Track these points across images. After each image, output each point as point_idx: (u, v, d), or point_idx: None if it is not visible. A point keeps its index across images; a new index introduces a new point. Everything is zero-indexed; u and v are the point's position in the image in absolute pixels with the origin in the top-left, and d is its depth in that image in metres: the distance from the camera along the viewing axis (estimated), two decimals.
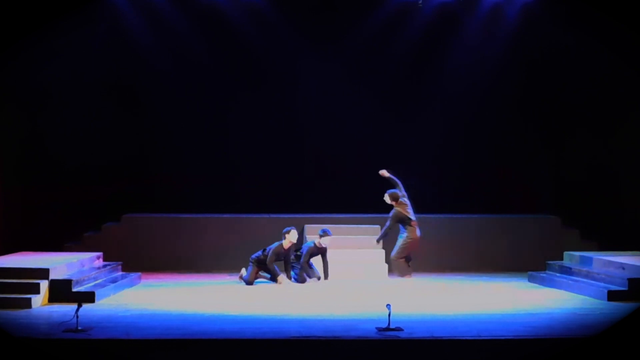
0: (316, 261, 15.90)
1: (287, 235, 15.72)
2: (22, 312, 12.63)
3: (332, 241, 15.87)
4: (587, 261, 15.36)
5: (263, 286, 15.41)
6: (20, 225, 17.57)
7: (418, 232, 15.23)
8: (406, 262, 15.28)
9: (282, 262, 15.84)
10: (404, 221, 15.21)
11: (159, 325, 11.77)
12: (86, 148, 18.09)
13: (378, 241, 15.57)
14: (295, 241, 15.85)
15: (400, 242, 15.23)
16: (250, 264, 15.69)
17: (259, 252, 15.74)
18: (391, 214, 15.27)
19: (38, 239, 16.77)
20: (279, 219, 17.46)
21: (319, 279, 15.80)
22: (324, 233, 15.76)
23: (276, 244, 15.69)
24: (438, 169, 18.64)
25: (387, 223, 15.32)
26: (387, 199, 15.32)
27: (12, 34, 16.24)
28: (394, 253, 15.25)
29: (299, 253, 15.89)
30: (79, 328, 11.16)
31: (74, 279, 13.73)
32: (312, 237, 16.22)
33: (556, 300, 14.03)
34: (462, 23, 18.50)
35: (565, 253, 16.13)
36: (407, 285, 15.23)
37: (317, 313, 12.65)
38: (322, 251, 15.85)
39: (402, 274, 15.29)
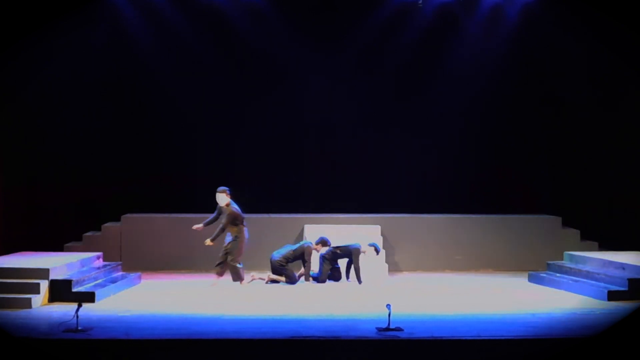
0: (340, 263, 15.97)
1: (318, 245, 15.74)
2: (22, 312, 12.64)
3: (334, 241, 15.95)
4: (587, 261, 15.36)
5: (263, 286, 15.39)
6: (20, 225, 17.58)
7: (246, 234, 15.24)
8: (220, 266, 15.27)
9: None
10: (238, 221, 15.18)
11: (159, 325, 11.78)
12: (86, 148, 18.10)
13: (212, 241, 15.26)
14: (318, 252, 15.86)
15: (233, 245, 15.17)
16: (284, 267, 15.58)
17: (284, 251, 15.66)
18: (227, 212, 15.21)
19: (38, 239, 16.79)
20: (279, 219, 17.48)
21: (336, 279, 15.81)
22: (374, 247, 15.81)
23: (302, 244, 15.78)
24: (438, 169, 18.63)
25: (223, 222, 15.22)
26: (222, 196, 15.24)
27: (12, 34, 16.24)
28: (232, 259, 15.17)
29: (329, 254, 15.79)
30: (79, 328, 11.18)
31: (74, 279, 13.74)
32: (309, 238, 16.27)
33: (556, 300, 14.02)
34: (462, 23, 18.49)
35: (565, 253, 16.13)
36: (407, 285, 15.19)
37: (316, 313, 12.65)
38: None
39: (238, 278, 15.22)
